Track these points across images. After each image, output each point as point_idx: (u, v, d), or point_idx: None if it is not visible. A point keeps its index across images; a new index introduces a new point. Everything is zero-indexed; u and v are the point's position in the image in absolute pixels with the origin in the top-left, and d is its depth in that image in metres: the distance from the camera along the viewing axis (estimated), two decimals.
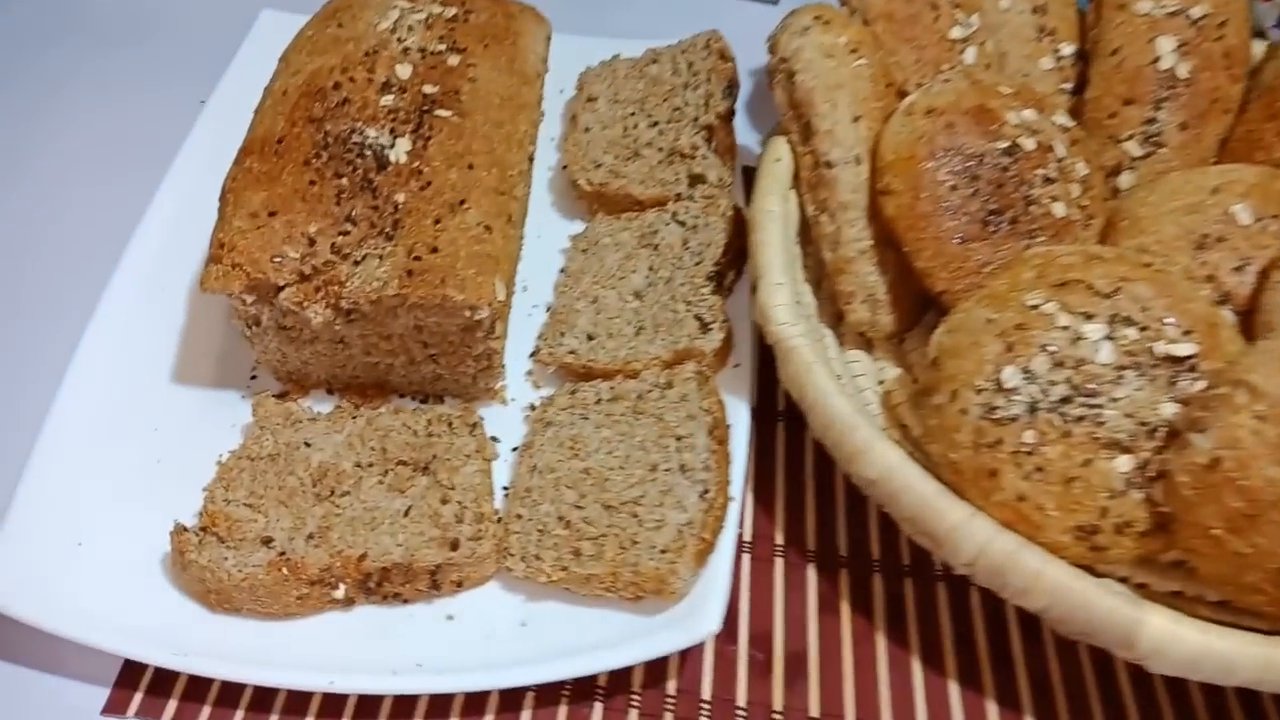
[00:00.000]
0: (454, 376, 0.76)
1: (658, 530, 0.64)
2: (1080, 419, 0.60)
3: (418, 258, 0.69)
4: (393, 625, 0.65)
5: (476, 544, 0.66)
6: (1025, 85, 0.77)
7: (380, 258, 0.69)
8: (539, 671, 0.61)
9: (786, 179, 0.76)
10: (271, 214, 0.70)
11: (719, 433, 0.69)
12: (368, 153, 0.73)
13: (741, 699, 0.66)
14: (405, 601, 0.66)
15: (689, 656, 0.67)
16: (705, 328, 0.77)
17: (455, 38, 0.82)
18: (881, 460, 0.61)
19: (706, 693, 0.66)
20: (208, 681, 0.64)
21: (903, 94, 0.76)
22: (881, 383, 0.74)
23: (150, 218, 0.85)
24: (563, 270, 0.86)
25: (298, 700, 0.64)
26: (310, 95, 0.76)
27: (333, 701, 0.64)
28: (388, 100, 0.76)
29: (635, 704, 0.66)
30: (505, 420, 0.76)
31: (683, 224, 0.85)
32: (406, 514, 0.68)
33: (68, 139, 1.01)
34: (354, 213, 0.71)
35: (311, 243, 0.69)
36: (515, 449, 0.75)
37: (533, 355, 0.81)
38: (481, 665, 0.62)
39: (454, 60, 0.80)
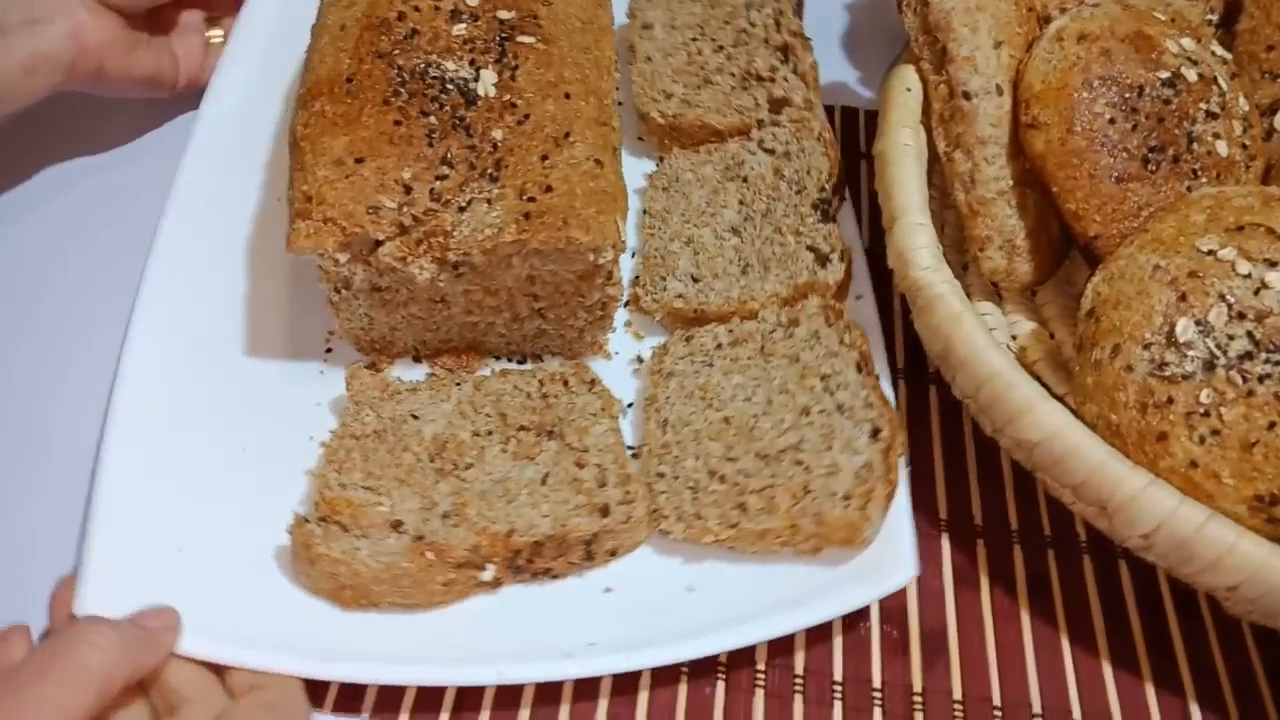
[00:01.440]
0: (559, 331, 0.70)
1: (833, 476, 0.59)
2: (1265, 377, 0.55)
3: (532, 199, 0.62)
4: (547, 605, 0.59)
5: (629, 507, 0.60)
6: (1178, 13, 0.71)
7: (488, 201, 0.62)
8: (731, 637, 0.56)
9: (917, 110, 0.69)
10: (359, 160, 0.62)
11: (869, 367, 0.64)
12: (450, 88, 0.66)
13: (877, 680, 0.61)
14: (555, 577, 0.60)
15: (815, 634, 0.62)
16: (823, 259, 0.72)
17: None
18: (1046, 422, 0.56)
19: (838, 673, 0.61)
20: (359, 689, 0.58)
21: (1045, 20, 0.69)
22: (1015, 338, 0.68)
23: (181, 181, 0.76)
24: (645, 211, 0.80)
25: (469, 696, 0.58)
26: (373, 28, 0.68)
27: (507, 694, 0.58)
28: (460, 29, 0.69)
29: (760, 683, 0.61)
30: (612, 376, 0.70)
31: (771, 152, 0.79)
32: (544, 482, 0.62)
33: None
34: (449, 154, 0.63)
35: (408, 190, 0.62)
36: (630, 405, 0.69)
37: (627, 305, 0.75)
38: (666, 636, 0.56)
39: None
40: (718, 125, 0.81)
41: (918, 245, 0.63)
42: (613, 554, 0.61)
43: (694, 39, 0.87)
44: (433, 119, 0.64)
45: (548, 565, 0.60)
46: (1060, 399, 0.60)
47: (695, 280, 0.74)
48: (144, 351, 0.67)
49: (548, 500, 0.61)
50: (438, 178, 0.63)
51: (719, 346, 0.69)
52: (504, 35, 0.69)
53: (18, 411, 0.70)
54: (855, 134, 0.89)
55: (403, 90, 0.65)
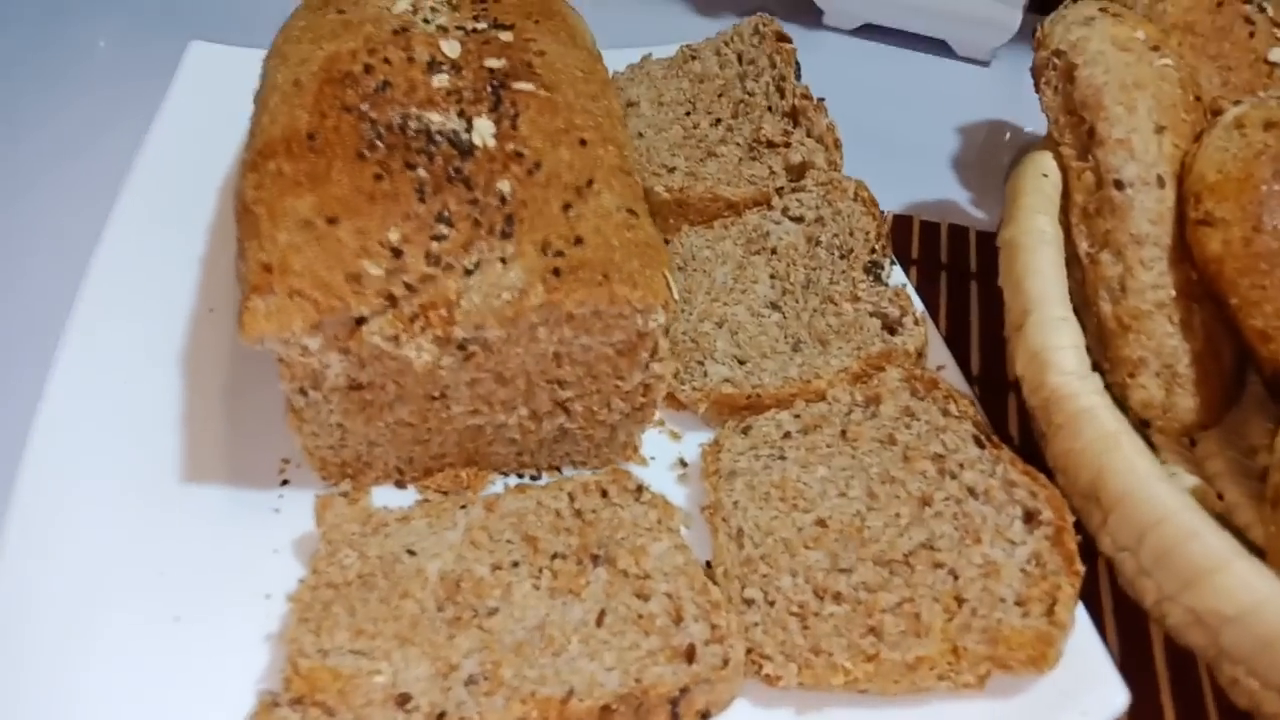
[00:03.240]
0: (586, 431, 0.55)
1: (992, 578, 0.44)
2: None
3: (560, 253, 0.49)
4: None
5: (722, 648, 0.44)
6: None
7: (503, 261, 0.49)
8: None
9: (1055, 199, 0.58)
10: (331, 220, 0.48)
11: (992, 439, 0.51)
12: (440, 139, 0.53)
13: None
14: None
15: None
16: (893, 325, 0.60)
17: (494, 15, 0.63)
18: (1247, 587, 0.41)
19: None
20: None
21: (1215, 113, 0.58)
22: None
23: (92, 275, 0.61)
24: None
25: None
26: (335, 82, 0.55)
27: None
28: (441, 80, 0.56)
29: None
30: (651, 486, 0.55)
31: (800, 219, 0.68)
32: (599, 623, 0.45)
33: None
34: (446, 210, 0.50)
35: (397, 254, 0.48)
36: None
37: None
38: None
39: (507, 36, 0.61)
40: (731, 197, 0.70)
41: (1060, 344, 0.50)
42: (704, 716, 0.44)
43: (687, 114, 0.78)
44: (421, 171, 0.51)
45: None
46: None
47: (740, 363, 0.60)
48: (35, 495, 0.50)
49: (609, 647, 0.44)
50: (434, 238, 0.49)
51: (786, 436, 0.55)
52: (496, 83, 0.57)
53: None
54: (965, 251, 0.78)
55: (379, 144, 0.52)
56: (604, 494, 0.52)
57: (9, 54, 0.91)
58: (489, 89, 0.57)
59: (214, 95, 0.73)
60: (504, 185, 0.52)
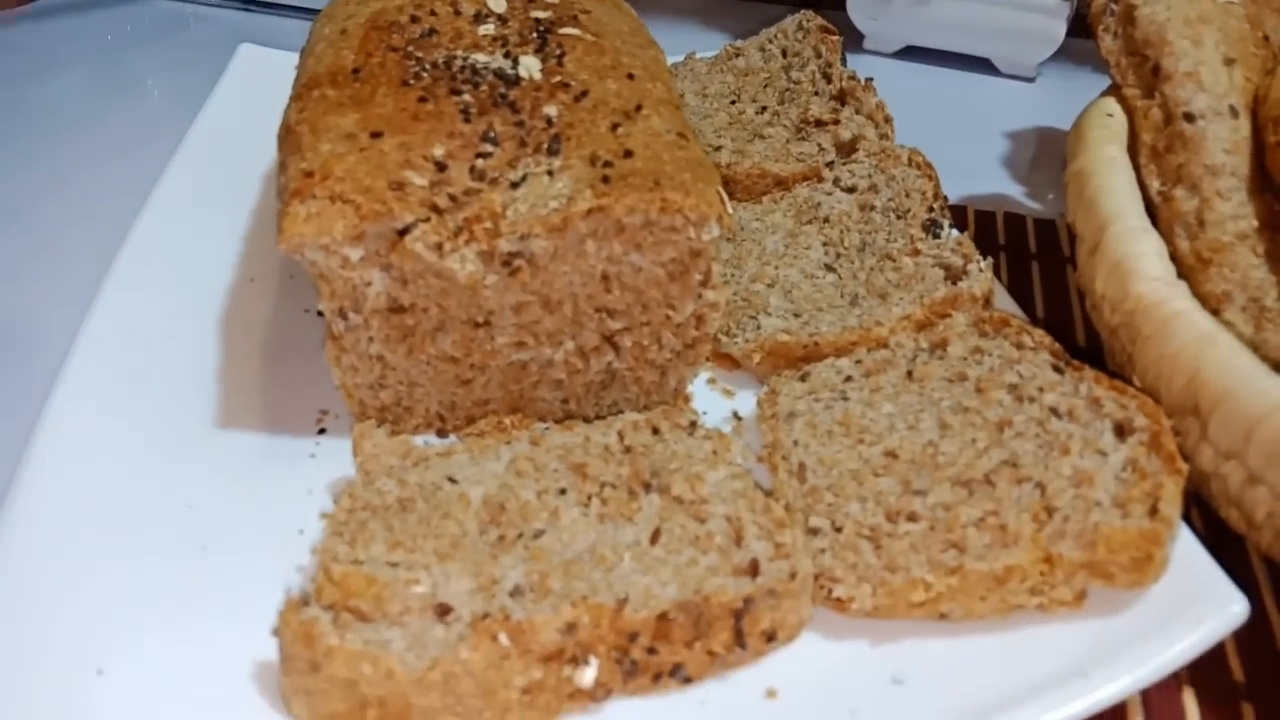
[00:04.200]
0: (635, 372, 0.53)
1: (1086, 485, 0.40)
2: None
3: (609, 164, 0.47)
4: None
5: (787, 563, 0.40)
6: None
7: (549, 174, 0.47)
8: None
9: (1123, 135, 0.56)
10: (375, 134, 0.47)
11: (1072, 362, 0.47)
12: (485, 73, 0.52)
13: None
14: (688, 679, 0.39)
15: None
16: (958, 274, 0.57)
17: None
18: None
19: None
20: None
21: None
22: None
23: (135, 236, 0.60)
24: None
25: None
26: (381, 28, 0.55)
27: None
28: (487, 29, 0.56)
29: None
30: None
31: (852, 189, 0.66)
32: (654, 542, 0.42)
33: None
34: (492, 130, 0.49)
35: (441, 167, 0.47)
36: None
37: (706, 360, 0.58)
38: None
39: None
40: (780, 173, 0.69)
41: (1143, 251, 0.47)
42: (770, 638, 0.40)
43: (732, 102, 0.77)
44: (467, 97, 0.50)
45: (678, 658, 0.39)
46: None
47: (796, 315, 0.58)
48: (73, 427, 0.48)
49: (665, 564, 0.41)
50: (479, 155, 0.48)
51: (848, 380, 0.52)
52: (543, 29, 0.57)
53: None
54: (1023, 235, 0.75)
55: (424, 74, 0.51)
56: (654, 430, 0.49)
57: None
58: (535, 34, 0.56)
59: (261, 93, 0.73)
60: (550, 110, 0.50)
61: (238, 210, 0.68)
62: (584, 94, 0.52)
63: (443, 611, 0.38)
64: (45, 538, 0.43)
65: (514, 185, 0.47)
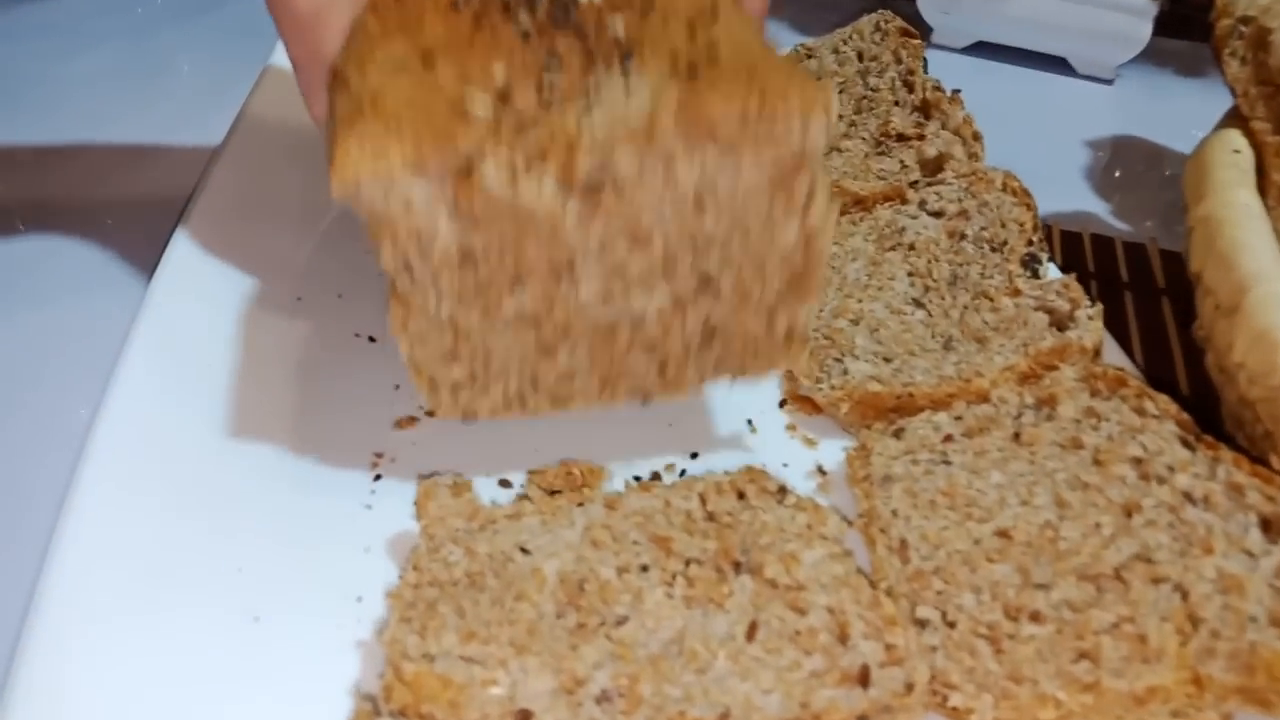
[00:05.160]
0: (740, 320, 0.46)
1: (1235, 594, 0.36)
2: None
3: (693, 65, 0.40)
4: None
5: (901, 670, 0.36)
6: None
7: (625, 89, 0.40)
8: None
9: (1252, 175, 0.52)
10: (427, 61, 0.41)
11: (1204, 439, 0.43)
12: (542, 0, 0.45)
13: None
14: None
15: None
16: (1064, 320, 0.53)
17: None
18: None
19: None
20: None
21: None
22: None
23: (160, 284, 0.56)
24: None
25: None
26: None
27: None
28: None
29: None
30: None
31: (939, 214, 0.62)
32: (750, 638, 0.38)
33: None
34: (555, 50, 0.42)
35: (504, 91, 0.40)
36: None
37: (784, 405, 0.55)
38: None
39: None
40: (860, 192, 0.64)
41: None
42: None
43: None
44: (523, 18, 0.44)
45: None
46: None
47: (886, 360, 0.54)
48: (100, 482, 0.44)
49: (764, 665, 0.37)
50: (546, 73, 0.41)
51: (948, 439, 0.48)
52: None
53: None
54: (1112, 261, 0.70)
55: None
56: (740, 495, 0.45)
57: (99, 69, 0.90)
58: None
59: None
60: (617, 25, 0.43)
61: (282, 218, 0.64)
62: (650, 6, 0.44)
63: (524, 718, 0.35)
64: (82, 610, 0.39)
65: (587, 101, 0.40)
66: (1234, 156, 0.51)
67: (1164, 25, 0.92)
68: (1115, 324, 0.64)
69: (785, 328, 0.47)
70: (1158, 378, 0.58)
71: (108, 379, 0.49)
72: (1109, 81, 0.94)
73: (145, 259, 0.60)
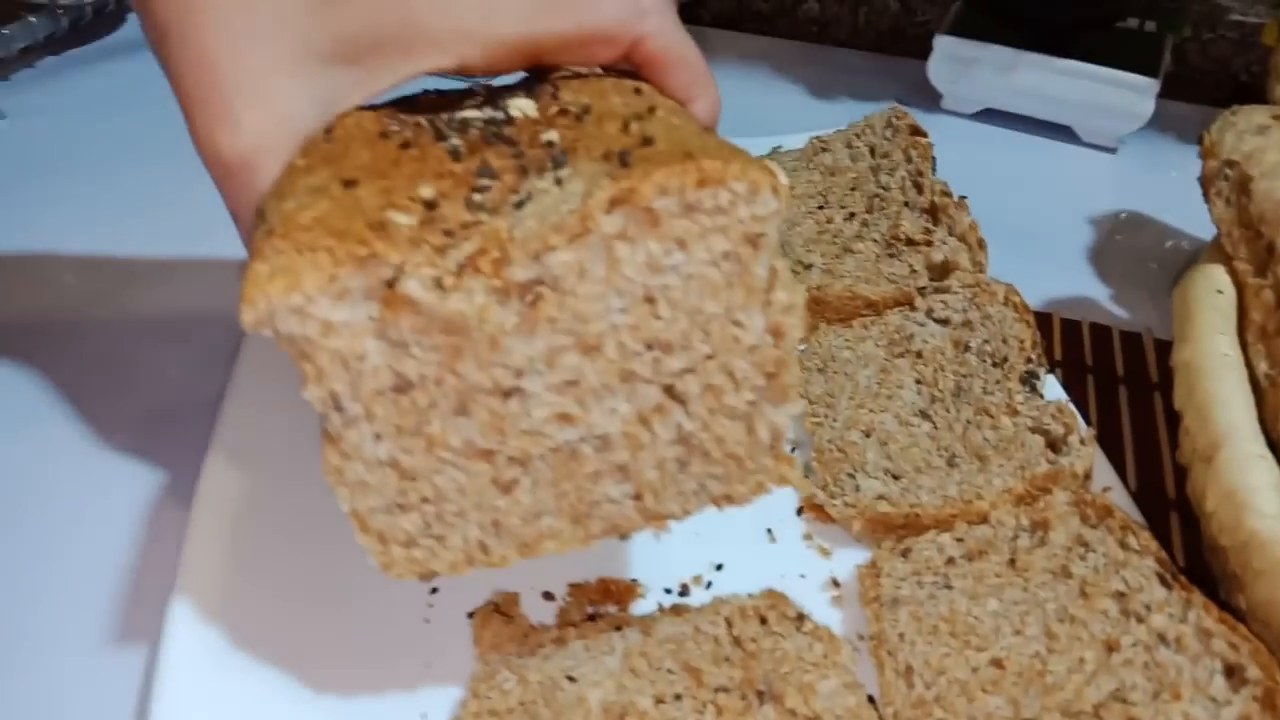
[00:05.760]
0: (714, 433, 0.42)
1: None
2: None
3: (625, 154, 0.38)
4: None
5: None
6: None
7: (559, 183, 0.39)
8: None
9: (1233, 318, 0.56)
10: (349, 183, 0.38)
11: (1179, 580, 0.48)
12: (475, 122, 0.43)
13: None
14: None
15: None
16: (1058, 443, 0.57)
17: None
18: None
19: None
20: None
21: None
22: None
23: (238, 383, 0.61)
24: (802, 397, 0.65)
25: None
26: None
27: None
28: (471, 103, 0.45)
29: None
30: (805, 605, 0.53)
31: (945, 322, 0.66)
32: None
33: None
34: (488, 165, 0.40)
35: (431, 205, 0.38)
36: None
37: (801, 513, 0.60)
38: None
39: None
40: (871, 296, 0.69)
41: (1258, 485, 0.47)
42: None
43: (820, 207, 0.77)
44: (455, 141, 0.41)
45: None
46: None
47: (895, 477, 0.58)
48: (189, 625, 0.50)
49: None
50: (474, 190, 0.39)
51: (950, 562, 0.53)
52: (531, 79, 0.47)
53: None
54: (1109, 354, 0.74)
55: (405, 129, 0.43)
56: (763, 621, 0.50)
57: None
58: (523, 84, 0.47)
59: None
60: (551, 135, 0.41)
61: None
62: (586, 111, 0.43)
63: None
64: None
65: (519, 206, 0.38)
66: (1216, 298, 0.56)
67: (1167, 86, 0.96)
68: (1109, 422, 0.69)
69: (768, 437, 0.43)
70: (1147, 484, 0.64)
71: (188, 517, 0.54)
72: (1112, 150, 0.98)
73: (204, 373, 0.66)
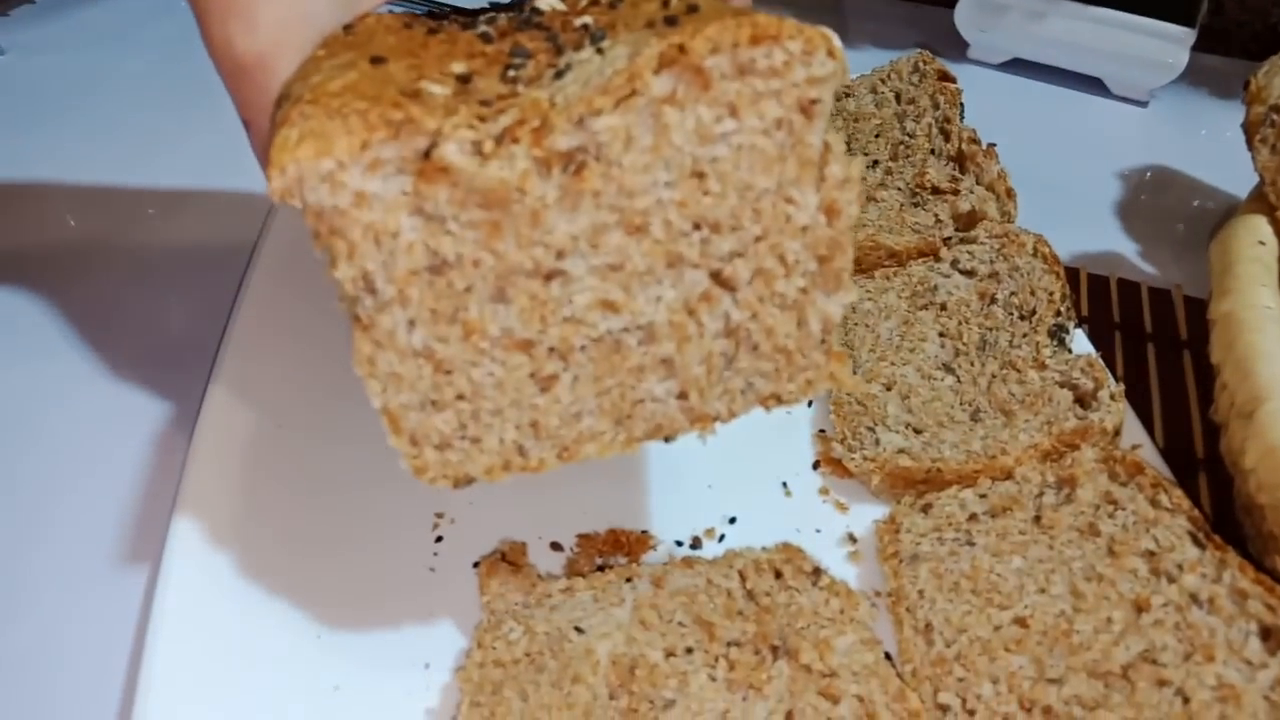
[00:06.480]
0: (764, 324, 0.39)
1: (1232, 704, 0.40)
2: None
3: (671, 18, 0.36)
4: None
5: None
6: None
7: (600, 52, 0.36)
8: None
9: (1274, 271, 0.54)
10: (378, 60, 0.36)
11: (1212, 538, 0.46)
12: (504, 16, 0.41)
13: None
14: None
15: None
16: (1087, 398, 0.55)
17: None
18: None
19: None
20: None
21: None
22: None
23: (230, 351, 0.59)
24: None
25: None
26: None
27: None
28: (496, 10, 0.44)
29: None
30: (821, 560, 0.51)
31: (971, 273, 0.64)
32: None
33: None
34: (519, 46, 0.38)
35: (465, 80, 0.36)
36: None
37: (818, 466, 0.58)
38: None
39: None
40: (894, 246, 0.67)
41: None
42: None
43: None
44: (483, 27, 0.40)
45: None
46: None
47: (916, 431, 0.57)
48: (184, 561, 0.48)
49: None
50: (509, 66, 0.37)
51: (972, 518, 0.51)
52: None
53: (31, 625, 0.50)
54: (1138, 310, 0.72)
55: (430, 20, 0.41)
56: (778, 574, 0.49)
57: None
58: None
59: None
60: (585, 19, 0.39)
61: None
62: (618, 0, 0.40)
63: None
64: (177, 671, 0.44)
65: (558, 75, 0.35)
66: (1258, 249, 0.53)
67: (1201, 38, 0.92)
68: (1137, 380, 0.67)
69: (819, 329, 0.40)
70: (1175, 443, 0.61)
71: (189, 447, 0.53)
72: (1143, 104, 0.95)
73: (207, 310, 0.64)
